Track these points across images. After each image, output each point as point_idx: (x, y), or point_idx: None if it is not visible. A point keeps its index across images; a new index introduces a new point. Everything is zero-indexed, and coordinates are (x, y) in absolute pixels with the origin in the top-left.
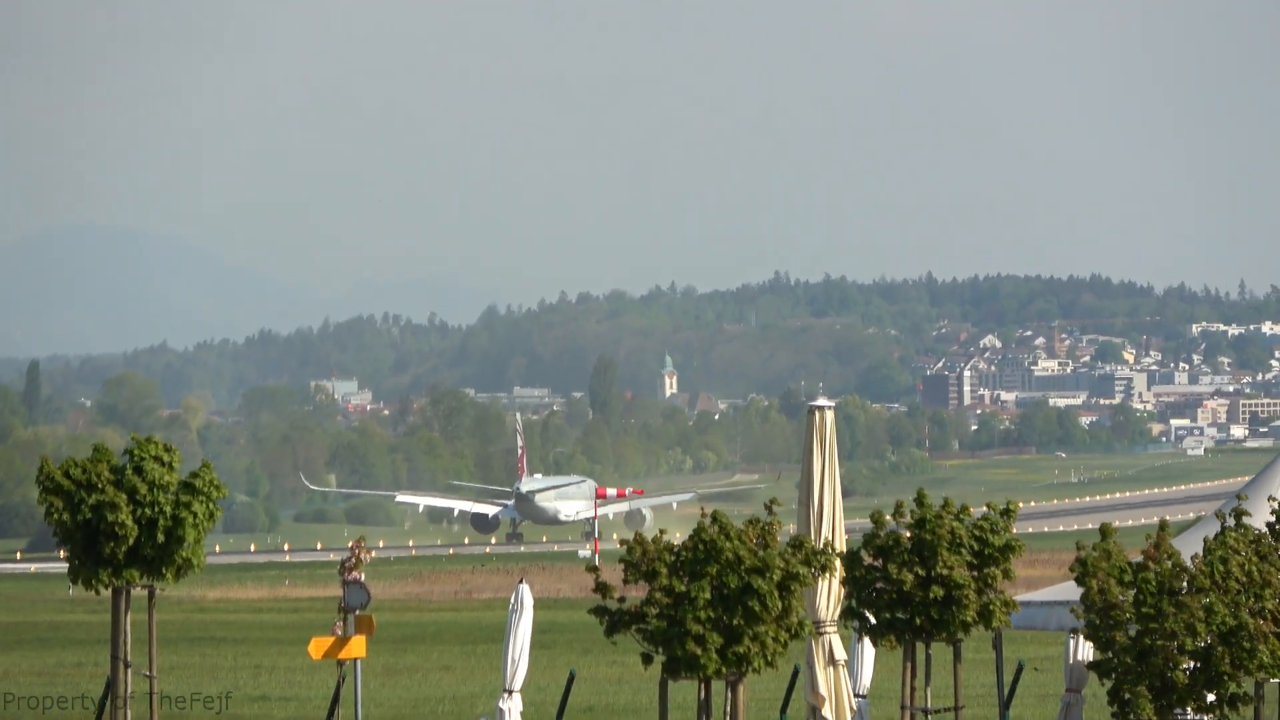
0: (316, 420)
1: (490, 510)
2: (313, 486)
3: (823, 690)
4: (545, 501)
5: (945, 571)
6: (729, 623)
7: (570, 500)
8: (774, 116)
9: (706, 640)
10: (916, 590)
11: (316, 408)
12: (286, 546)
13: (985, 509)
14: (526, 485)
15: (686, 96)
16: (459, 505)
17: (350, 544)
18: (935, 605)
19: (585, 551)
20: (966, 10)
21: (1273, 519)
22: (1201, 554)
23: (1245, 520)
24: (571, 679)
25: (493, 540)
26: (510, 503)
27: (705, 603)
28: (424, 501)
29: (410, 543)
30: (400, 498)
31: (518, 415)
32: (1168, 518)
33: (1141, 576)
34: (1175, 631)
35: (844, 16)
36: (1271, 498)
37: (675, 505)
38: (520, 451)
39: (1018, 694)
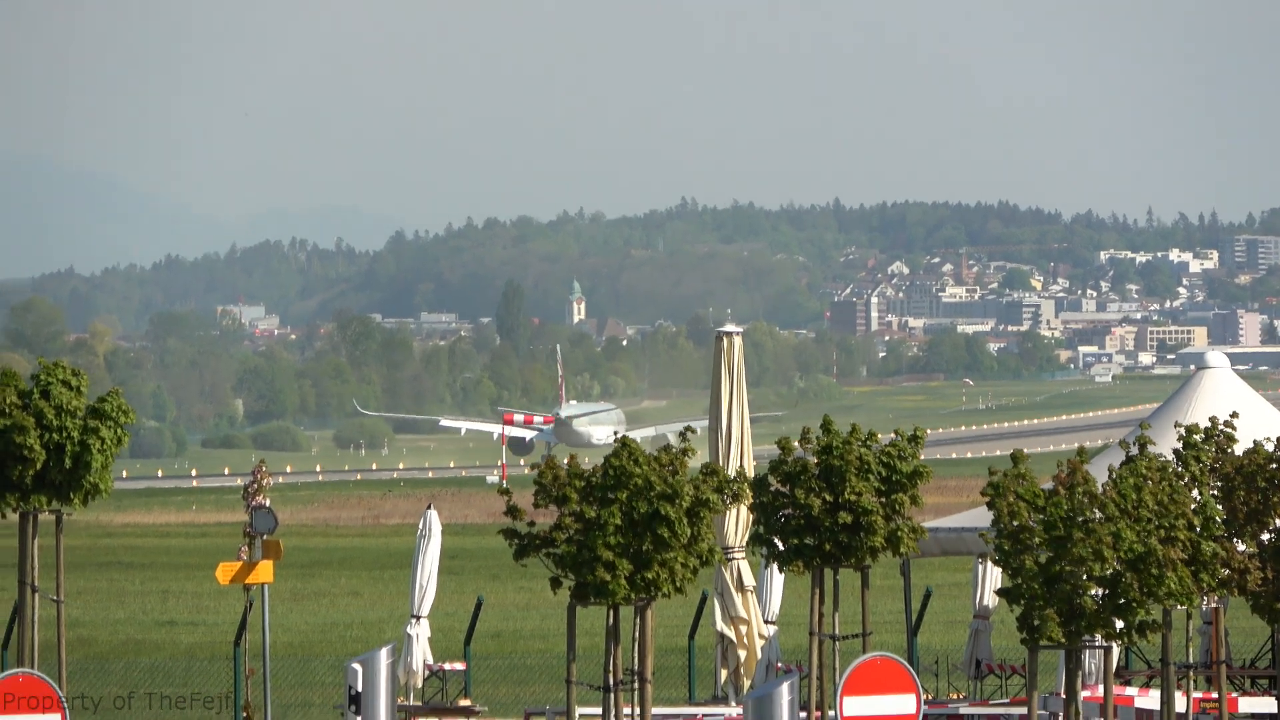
0: (223, 345)
1: (527, 435)
2: (363, 410)
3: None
4: (581, 426)
5: (853, 497)
6: (638, 549)
7: (602, 425)
8: (682, 40)
9: (616, 566)
10: (824, 516)
11: (223, 333)
12: (194, 472)
13: (894, 435)
14: (566, 411)
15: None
16: (497, 429)
17: (252, 469)
18: (843, 531)
19: (493, 478)
20: None
21: (1179, 445)
22: (1111, 481)
23: (1150, 449)
24: (479, 604)
25: (400, 466)
26: (546, 427)
27: (615, 528)
28: (465, 425)
29: (318, 468)
30: (444, 421)
31: (558, 347)
32: (1080, 444)
33: (1052, 501)
34: (1083, 557)
35: None
36: (1178, 424)
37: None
38: (560, 379)
39: (925, 620)
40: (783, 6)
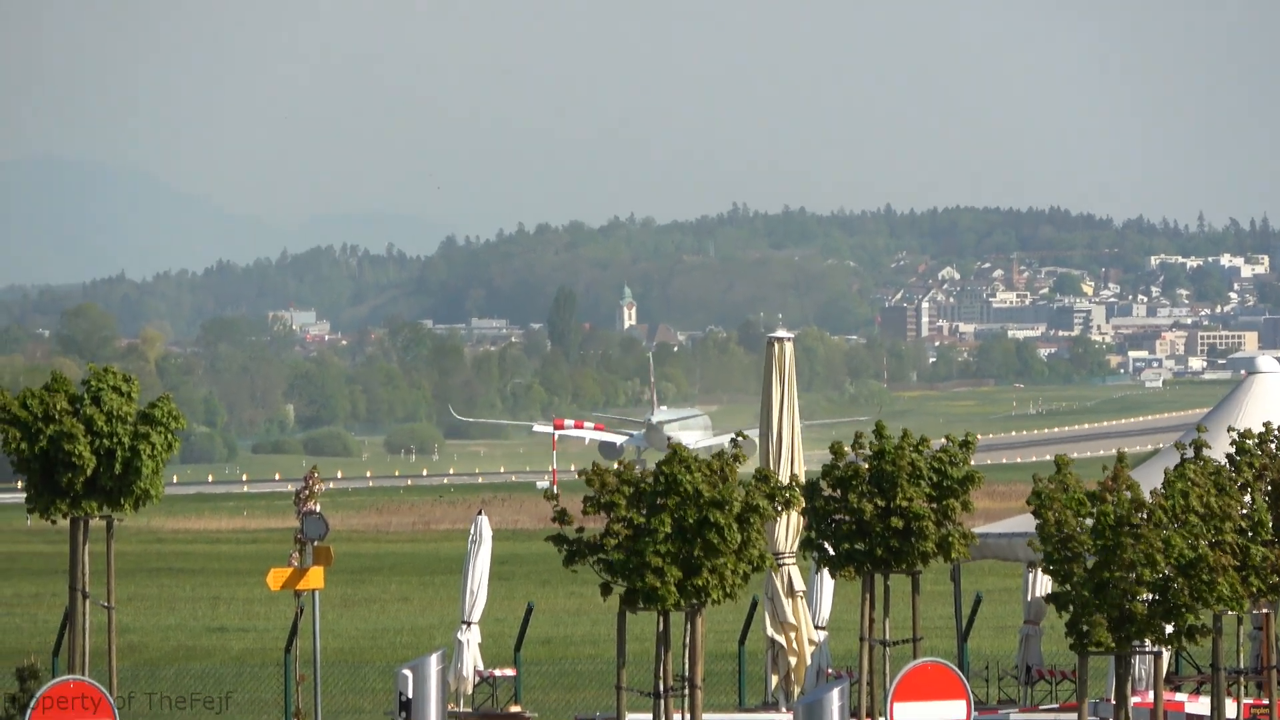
0: (274, 351)
1: (618, 439)
2: (459, 416)
3: (785, 620)
4: (671, 431)
5: (905, 503)
6: (688, 555)
7: (690, 431)
8: (731, 47)
9: (665, 573)
10: (876, 522)
11: (274, 339)
12: (244, 477)
13: (944, 441)
14: (657, 416)
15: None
16: (589, 435)
17: (305, 475)
18: (895, 536)
19: (543, 483)
20: None
21: (1232, 450)
22: (1161, 487)
23: (1205, 452)
24: (530, 610)
25: (450, 471)
26: (635, 432)
27: (665, 535)
28: (559, 431)
29: (368, 473)
30: (536, 427)
31: (650, 357)
32: (1125, 449)
33: (1100, 509)
34: (1133, 563)
35: None
36: (1231, 428)
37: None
38: (651, 385)
39: (975, 626)
40: (833, 14)
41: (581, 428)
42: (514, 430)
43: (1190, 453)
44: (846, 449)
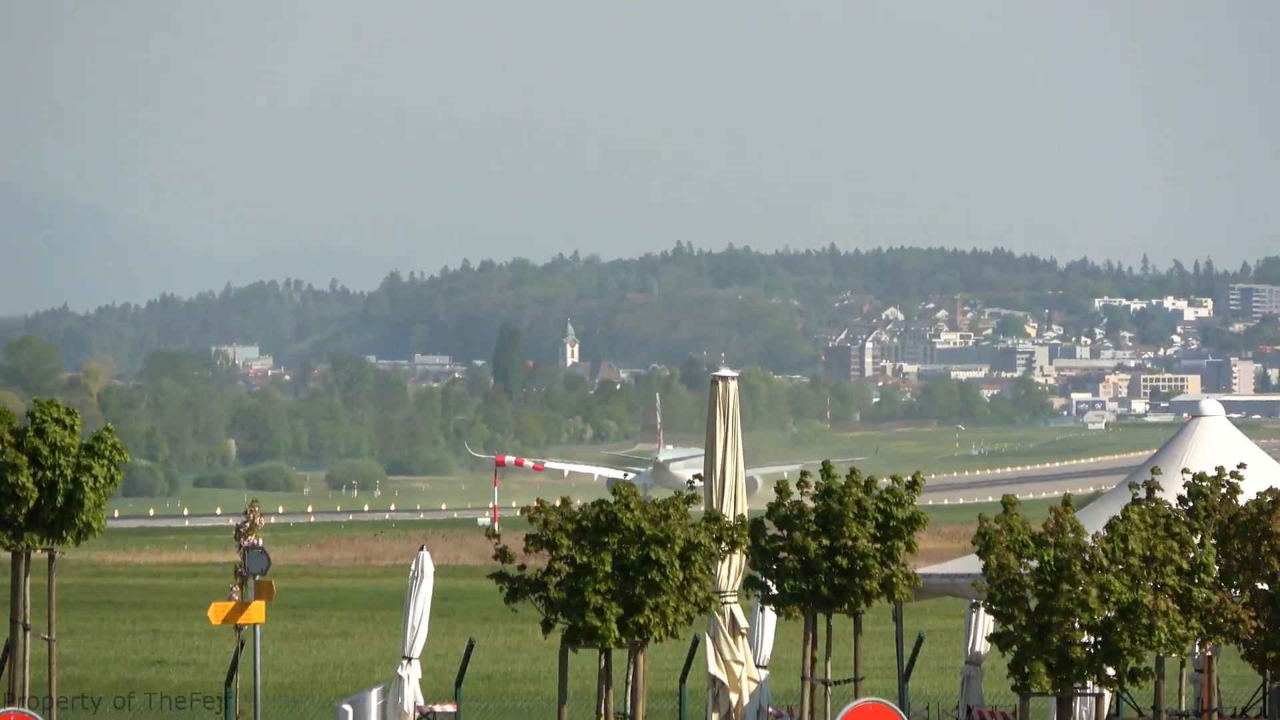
0: (217, 385)
1: (622, 475)
2: (473, 454)
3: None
4: (678, 469)
5: (850, 542)
6: (630, 593)
7: (696, 469)
8: (677, 86)
9: (606, 611)
10: (821, 560)
11: (217, 373)
12: (186, 511)
13: (890, 481)
14: (664, 455)
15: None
16: (598, 471)
17: (244, 510)
18: (839, 575)
19: (484, 519)
20: None
21: (1185, 492)
22: (1104, 531)
23: (1156, 494)
24: (471, 646)
25: (392, 507)
26: (642, 469)
27: (605, 574)
28: (569, 467)
29: (310, 508)
30: (549, 464)
31: (657, 396)
32: (1069, 492)
33: (1043, 553)
34: (1070, 609)
35: None
36: (1186, 470)
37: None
38: (658, 425)
39: (917, 666)
40: (779, 53)
41: (521, 465)
42: (456, 466)
43: (1142, 493)
44: (792, 487)
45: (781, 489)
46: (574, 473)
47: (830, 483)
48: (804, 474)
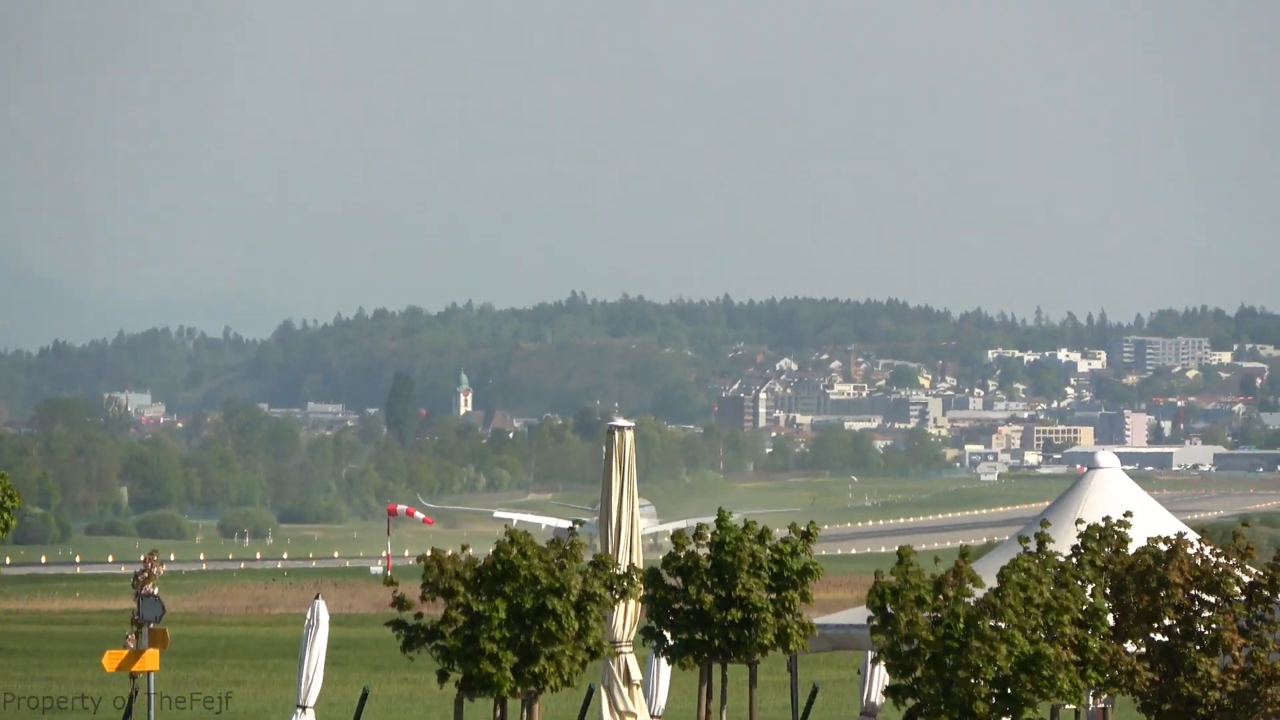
0: (110, 433)
1: (566, 524)
2: (426, 504)
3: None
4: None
5: (744, 594)
6: (525, 641)
7: (642, 519)
8: (571, 134)
9: (501, 660)
10: (715, 611)
11: (110, 420)
12: (78, 559)
13: (786, 531)
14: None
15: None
16: (545, 520)
17: (143, 557)
18: (733, 627)
19: (377, 568)
20: (766, 34)
21: (1078, 543)
22: (999, 583)
23: (1048, 546)
24: (365, 695)
25: (284, 555)
26: (589, 520)
27: (500, 622)
28: (517, 516)
29: (202, 556)
30: (497, 513)
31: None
32: (964, 543)
33: (948, 609)
34: (978, 665)
35: (634, 35)
36: (1080, 520)
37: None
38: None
39: (811, 717)
40: (673, 103)
41: (413, 514)
42: (349, 514)
43: (1034, 545)
44: (688, 537)
45: (678, 540)
46: (521, 520)
47: (725, 533)
48: (700, 525)
